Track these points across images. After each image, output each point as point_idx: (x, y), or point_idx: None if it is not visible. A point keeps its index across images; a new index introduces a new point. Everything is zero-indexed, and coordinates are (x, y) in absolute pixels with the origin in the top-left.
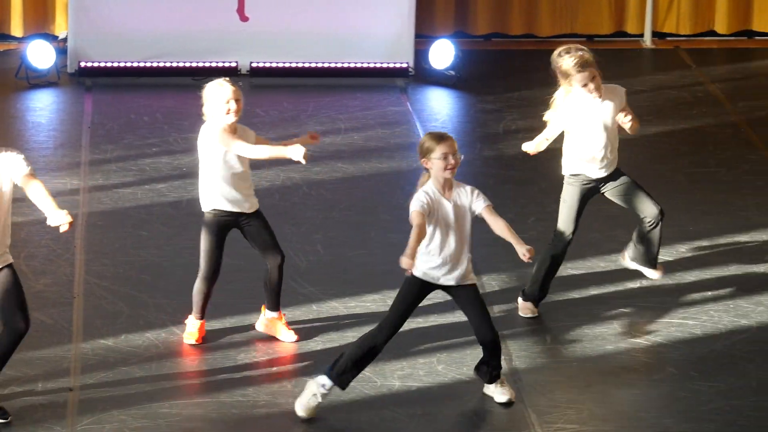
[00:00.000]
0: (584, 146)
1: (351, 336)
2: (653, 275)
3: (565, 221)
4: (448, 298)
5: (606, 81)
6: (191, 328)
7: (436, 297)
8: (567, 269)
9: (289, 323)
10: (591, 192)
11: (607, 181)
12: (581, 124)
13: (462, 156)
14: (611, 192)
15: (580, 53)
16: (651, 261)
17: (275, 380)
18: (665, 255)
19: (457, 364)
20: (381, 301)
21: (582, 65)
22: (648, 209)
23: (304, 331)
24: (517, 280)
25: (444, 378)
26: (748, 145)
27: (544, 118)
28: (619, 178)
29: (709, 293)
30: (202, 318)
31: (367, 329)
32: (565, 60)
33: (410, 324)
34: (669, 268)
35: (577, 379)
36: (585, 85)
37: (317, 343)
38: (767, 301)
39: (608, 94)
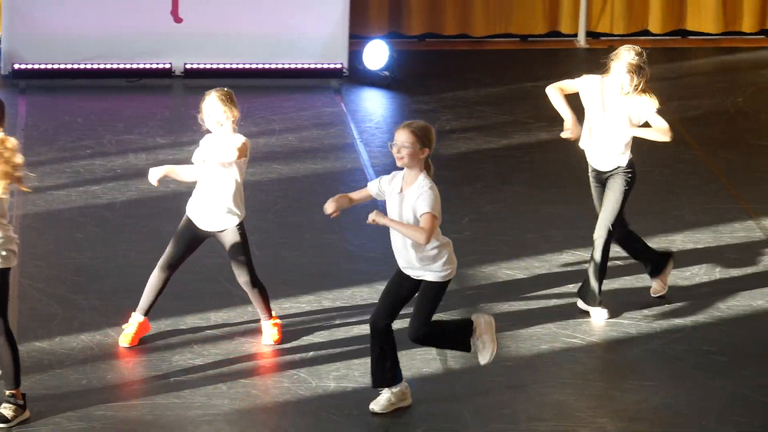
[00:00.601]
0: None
1: (286, 337)
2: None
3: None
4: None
5: (539, 81)
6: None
7: (372, 298)
8: (502, 269)
9: (222, 325)
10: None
11: (605, 176)
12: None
13: (406, 147)
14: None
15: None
16: (588, 294)
17: (210, 382)
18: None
19: None
20: (316, 302)
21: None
22: (596, 226)
23: (239, 332)
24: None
25: None
26: (682, 145)
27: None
28: (612, 178)
29: (644, 292)
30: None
31: (302, 330)
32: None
33: (345, 324)
34: None
35: (513, 378)
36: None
37: (252, 345)
38: (702, 300)
39: (634, 100)
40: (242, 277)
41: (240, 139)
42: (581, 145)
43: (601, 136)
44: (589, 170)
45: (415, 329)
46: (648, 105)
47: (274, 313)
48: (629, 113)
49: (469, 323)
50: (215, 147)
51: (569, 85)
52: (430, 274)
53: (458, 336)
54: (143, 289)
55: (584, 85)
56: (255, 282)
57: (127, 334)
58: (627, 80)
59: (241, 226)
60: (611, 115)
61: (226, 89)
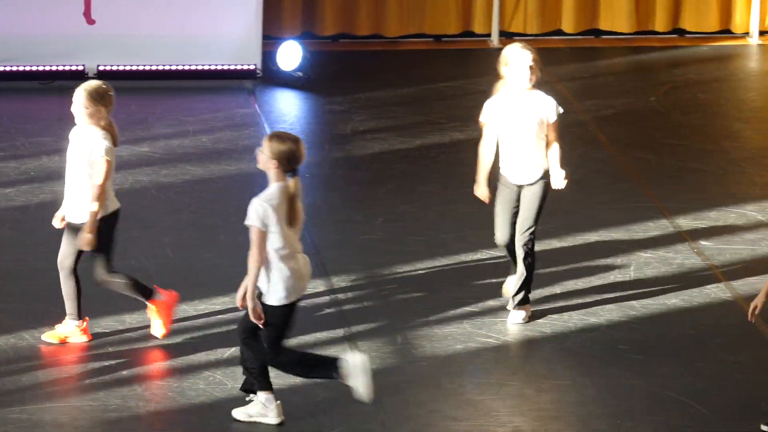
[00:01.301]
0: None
1: (201, 339)
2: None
3: None
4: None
5: (452, 81)
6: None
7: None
8: (416, 269)
9: (138, 327)
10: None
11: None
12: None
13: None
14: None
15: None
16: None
17: (125, 384)
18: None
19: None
20: (230, 303)
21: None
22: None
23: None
24: (367, 281)
25: (295, 380)
26: (595, 144)
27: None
28: (530, 188)
29: (559, 291)
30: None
31: (216, 332)
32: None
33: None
34: None
35: (428, 378)
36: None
37: (167, 347)
38: (616, 299)
39: (539, 100)
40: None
41: (101, 146)
42: (502, 170)
43: (519, 152)
44: (501, 181)
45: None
46: (552, 106)
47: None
48: (540, 117)
49: (333, 363)
50: (80, 142)
51: (487, 132)
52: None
53: (317, 370)
54: (59, 292)
55: (489, 114)
56: (104, 282)
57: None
58: (527, 74)
59: (101, 222)
60: (524, 127)
61: (103, 85)
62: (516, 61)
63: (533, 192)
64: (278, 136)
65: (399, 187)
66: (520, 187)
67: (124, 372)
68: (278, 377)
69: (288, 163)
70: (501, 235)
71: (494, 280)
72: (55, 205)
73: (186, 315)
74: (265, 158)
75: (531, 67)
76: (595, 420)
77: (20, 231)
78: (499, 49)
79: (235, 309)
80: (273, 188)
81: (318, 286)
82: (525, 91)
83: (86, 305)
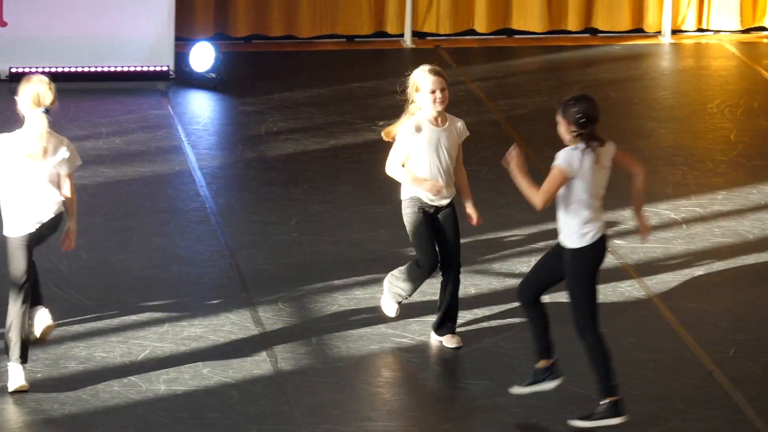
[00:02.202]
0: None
1: (115, 341)
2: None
3: None
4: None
5: (365, 81)
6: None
7: (198, 301)
8: (331, 270)
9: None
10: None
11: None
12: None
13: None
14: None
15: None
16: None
17: (40, 388)
18: None
19: (223, 367)
20: (145, 306)
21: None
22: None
23: (69, 335)
24: (282, 282)
25: (209, 381)
26: (509, 143)
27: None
28: (446, 211)
29: (473, 291)
30: None
31: (132, 334)
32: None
33: (174, 327)
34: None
35: (343, 379)
36: (433, 92)
37: (81, 349)
38: None
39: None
40: None
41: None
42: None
43: (438, 175)
44: (415, 204)
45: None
46: (464, 128)
47: None
48: (457, 141)
49: None
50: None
51: (401, 154)
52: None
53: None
54: None
55: (405, 139)
56: None
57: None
58: (443, 95)
59: None
60: (444, 149)
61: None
62: (426, 88)
63: (449, 213)
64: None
65: (313, 188)
66: (437, 209)
67: (38, 375)
68: (192, 378)
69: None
70: (430, 259)
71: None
72: None
73: (100, 317)
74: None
75: (443, 93)
76: (509, 418)
77: None
78: (412, 50)
79: (150, 312)
80: None
81: (232, 287)
82: (439, 117)
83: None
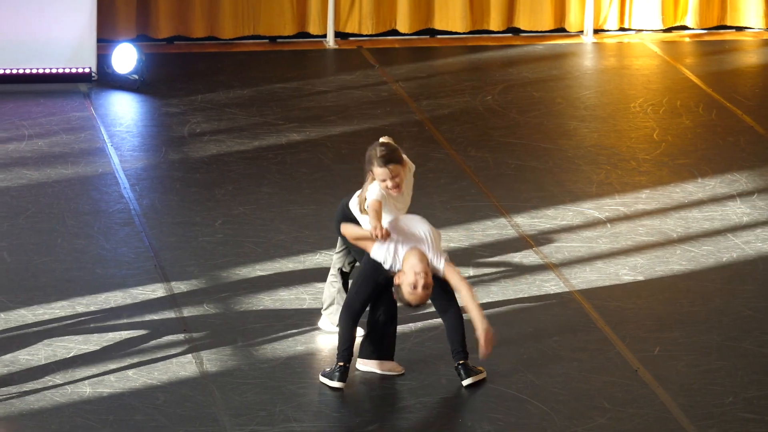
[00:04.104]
0: None
1: (40, 344)
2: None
3: None
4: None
5: (288, 82)
6: None
7: (125, 302)
8: (256, 270)
9: None
10: None
11: None
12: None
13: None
14: None
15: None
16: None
17: None
18: None
19: (148, 369)
20: (69, 308)
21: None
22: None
23: None
24: (206, 283)
25: (135, 383)
26: (433, 143)
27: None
28: None
29: None
30: None
31: (56, 335)
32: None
33: (99, 329)
34: None
35: (269, 380)
36: (384, 181)
37: (5, 352)
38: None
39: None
40: None
41: None
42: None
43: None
44: None
45: None
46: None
47: None
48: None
49: None
50: None
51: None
52: None
53: None
54: None
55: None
56: None
57: None
58: (393, 182)
59: None
60: (407, 195)
61: None
62: (378, 176)
63: None
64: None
65: (237, 189)
66: None
67: None
68: (118, 380)
69: None
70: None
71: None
72: None
73: (24, 320)
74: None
75: (393, 181)
76: (435, 418)
77: None
78: (335, 50)
79: (74, 314)
80: None
81: (156, 288)
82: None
83: None
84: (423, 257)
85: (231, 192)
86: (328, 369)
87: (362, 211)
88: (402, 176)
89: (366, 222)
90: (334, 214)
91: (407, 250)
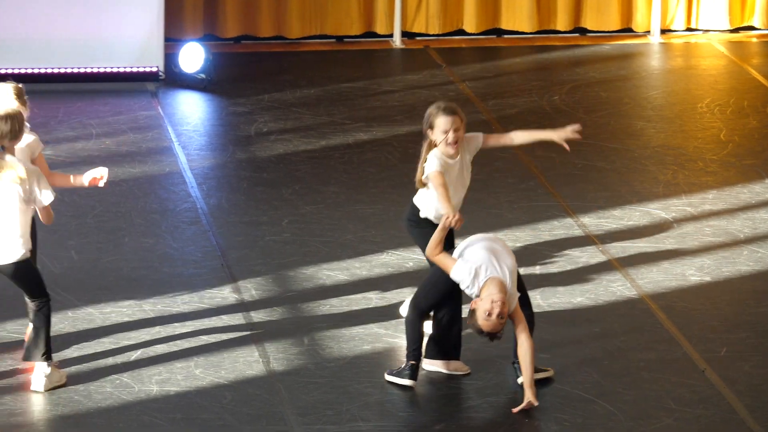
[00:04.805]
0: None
1: (108, 342)
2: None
3: None
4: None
5: (355, 82)
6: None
7: (192, 301)
8: (322, 270)
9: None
10: None
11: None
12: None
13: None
14: None
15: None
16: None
17: (32, 388)
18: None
19: (215, 368)
20: (136, 306)
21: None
22: None
23: (61, 338)
24: (273, 282)
25: (202, 382)
26: None
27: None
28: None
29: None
30: None
31: (123, 335)
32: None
33: (167, 328)
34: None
35: (335, 379)
36: (445, 132)
37: (73, 351)
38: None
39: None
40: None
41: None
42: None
43: (456, 203)
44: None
45: None
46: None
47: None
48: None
49: None
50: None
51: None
52: None
53: None
54: None
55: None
56: None
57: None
58: (456, 135)
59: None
60: (462, 181)
61: (19, 85)
62: (439, 128)
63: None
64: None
65: (304, 188)
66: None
67: (30, 375)
68: (185, 379)
69: None
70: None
71: (401, 281)
72: None
73: (92, 319)
74: None
75: (456, 133)
76: (502, 418)
77: None
78: (402, 50)
79: (141, 313)
80: None
81: (223, 288)
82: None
83: None
84: (503, 288)
85: (298, 191)
86: (395, 369)
87: (419, 183)
88: (462, 133)
89: (426, 202)
90: (403, 213)
91: (488, 278)
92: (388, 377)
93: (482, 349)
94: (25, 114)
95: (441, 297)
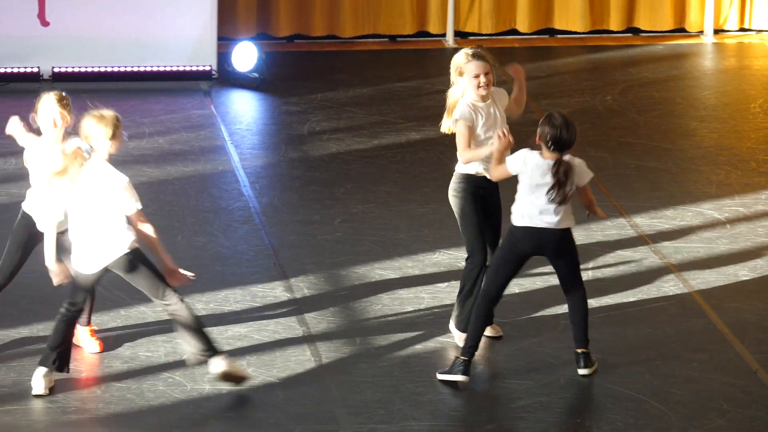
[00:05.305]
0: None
1: (160, 340)
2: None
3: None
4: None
5: (407, 81)
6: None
7: (245, 300)
8: (374, 269)
9: (99, 330)
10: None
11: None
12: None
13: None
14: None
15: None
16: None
17: (84, 386)
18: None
19: (267, 366)
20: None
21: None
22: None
23: (113, 336)
24: (325, 281)
25: (254, 380)
26: None
27: None
28: (492, 196)
29: (517, 290)
30: None
31: (176, 333)
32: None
33: (219, 327)
34: None
35: (387, 378)
36: (477, 77)
37: (126, 349)
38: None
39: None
40: None
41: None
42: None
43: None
44: (468, 183)
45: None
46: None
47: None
48: (501, 107)
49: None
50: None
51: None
52: None
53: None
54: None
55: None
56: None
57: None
58: (487, 79)
59: None
60: (499, 123)
61: (63, 92)
62: (470, 73)
63: (496, 197)
64: None
65: (356, 187)
66: (486, 190)
67: (83, 374)
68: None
69: None
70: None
71: (453, 281)
72: (8, 207)
73: (145, 318)
74: None
75: (486, 77)
76: (553, 417)
77: None
78: (455, 50)
79: (195, 311)
80: None
81: (276, 286)
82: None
83: (40, 308)
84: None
85: (350, 190)
86: (447, 367)
87: (448, 129)
88: (492, 77)
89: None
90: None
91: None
92: (440, 376)
93: (534, 349)
94: (69, 121)
95: (509, 277)
